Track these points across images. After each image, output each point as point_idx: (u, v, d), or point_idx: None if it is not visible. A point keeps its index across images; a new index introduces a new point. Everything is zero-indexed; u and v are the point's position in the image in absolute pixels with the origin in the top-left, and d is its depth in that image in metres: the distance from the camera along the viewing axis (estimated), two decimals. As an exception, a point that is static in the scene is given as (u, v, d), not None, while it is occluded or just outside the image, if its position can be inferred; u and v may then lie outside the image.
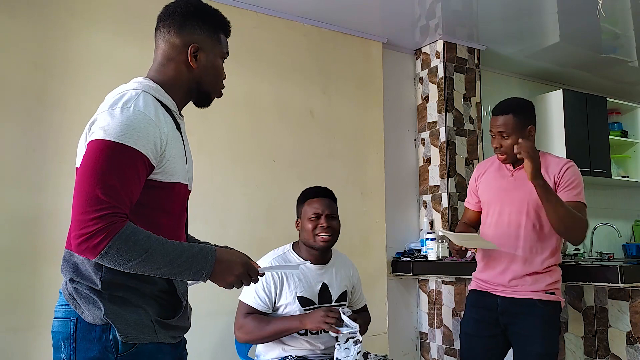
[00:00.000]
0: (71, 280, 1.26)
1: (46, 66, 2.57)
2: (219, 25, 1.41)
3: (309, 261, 2.04)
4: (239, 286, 1.33)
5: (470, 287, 2.37)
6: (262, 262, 2.20)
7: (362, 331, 2.18)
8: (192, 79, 1.38)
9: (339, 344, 2.04)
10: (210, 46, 1.38)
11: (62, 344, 1.26)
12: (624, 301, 2.41)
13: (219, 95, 1.46)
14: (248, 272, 1.32)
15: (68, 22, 2.64)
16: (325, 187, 2.31)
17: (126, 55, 2.76)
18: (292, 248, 2.29)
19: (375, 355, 2.25)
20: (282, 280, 2.16)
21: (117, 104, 1.23)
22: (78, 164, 1.27)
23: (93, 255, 1.13)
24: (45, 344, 2.44)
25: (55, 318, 1.30)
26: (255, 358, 2.26)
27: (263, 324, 2.09)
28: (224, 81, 1.46)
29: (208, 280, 1.28)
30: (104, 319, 1.22)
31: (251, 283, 1.35)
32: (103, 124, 1.20)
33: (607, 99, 4.52)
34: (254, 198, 3.01)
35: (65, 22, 2.64)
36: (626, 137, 4.73)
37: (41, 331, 2.43)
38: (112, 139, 1.17)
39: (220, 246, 1.38)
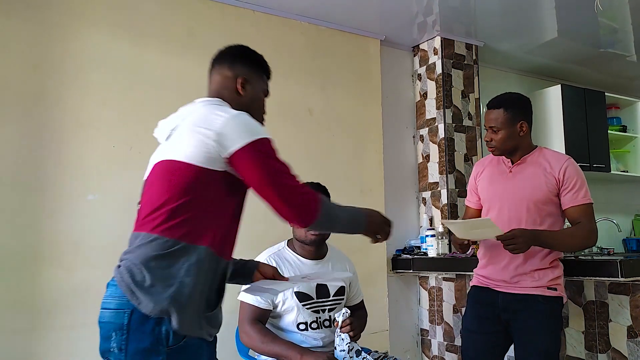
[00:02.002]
0: (145, 264, 1.33)
1: (44, 67, 2.57)
2: (262, 67, 1.65)
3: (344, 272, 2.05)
4: (385, 238, 1.62)
5: (471, 283, 2.36)
6: (260, 259, 2.21)
7: (360, 329, 2.18)
8: (242, 106, 1.53)
9: (338, 335, 2.09)
10: (255, 81, 1.61)
11: (114, 334, 1.31)
12: (624, 295, 2.40)
13: (261, 123, 1.60)
14: (387, 226, 1.62)
15: (66, 23, 2.64)
16: (317, 183, 2.30)
17: (123, 55, 2.76)
18: (287, 245, 2.30)
19: (376, 352, 2.25)
20: None
21: (220, 117, 1.40)
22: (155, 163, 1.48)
23: (313, 218, 1.40)
24: (46, 346, 2.44)
25: (105, 309, 1.35)
26: (256, 357, 2.26)
27: (266, 341, 2.08)
28: None
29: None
30: (165, 307, 1.30)
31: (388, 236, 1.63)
32: (238, 132, 1.37)
33: (606, 93, 4.52)
34: (253, 196, 3.00)
35: (62, 23, 2.63)
36: (625, 131, 4.72)
37: (42, 333, 2.43)
38: (261, 136, 1.39)
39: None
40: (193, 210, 1.37)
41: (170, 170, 1.40)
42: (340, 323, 2.08)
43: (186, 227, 1.36)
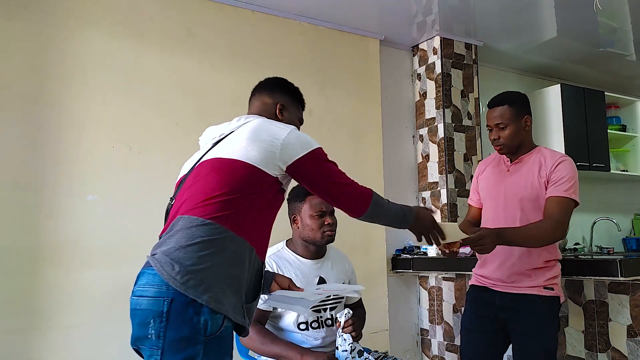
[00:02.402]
0: (190, 246, 1.36)
1: (43, 67, 2.57)
2: (298, 98, 1.83)
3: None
4: (429, 241, 1.83)
5: (470, 283, 2.36)
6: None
7: (360, 328, 2.18)
8: None
9: (340, 335, 2.08)
10: (292, 108, 1.78)
11: (153, 321, 1.33)
12: (624, 295, 2.40)
13: None
14: (435, 231, 1.81)
15: (65, 24, 2.64)
16: None
17: (122, 56, 2.76)
18: (286, 245, 2.30)
19: (376, 352, 2.25)
20: None
21: (283, 129, 1.56)
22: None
23: (365, 209, 1.59)
24: (45, 346, 2.44)
25: (141, 297, 1.36)
26: (256, 358, 2.26)
27: (266, 342, 2.07)
28: None
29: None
30: (213, 291, 1.35)
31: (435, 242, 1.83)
32: (299, 143, 1.54)
33: (605, 93, 4.52)
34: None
35: (62, 24, 2.63)
36: (625, 131, 4.72)
37: (41, 332, 2.43)
38: (318, 146, 1.59)
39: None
40: (244, 206, 1.46)
41: (227, 166, 1.50)
42: (342, 323, 2.08)
43: (237, 219, 1.45)
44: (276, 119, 1.70)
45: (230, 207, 1.44)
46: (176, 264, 1.34)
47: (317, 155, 1.58)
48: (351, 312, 2.11)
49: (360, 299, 2.44)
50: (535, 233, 2.02)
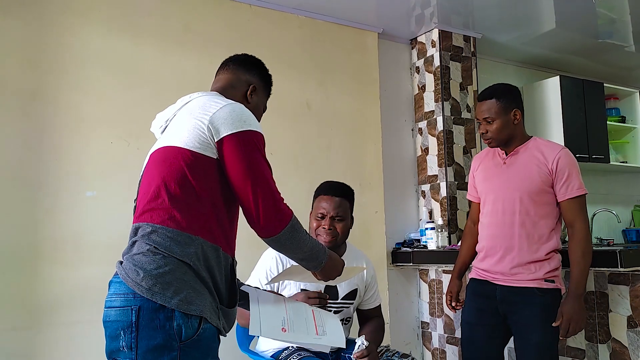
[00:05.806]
0: (152, 251, 1.28)
1: (41, 64, 2.57)
2: (269, 86, 1.69)
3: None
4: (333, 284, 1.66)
5: (470, 276, 2.37)
6: (267, 255, 2.18)
7: (378, 344, 2.12)
8: None
9: None
10: (262, 93, 1.65)
11: (122, 332, 1.25)
12: (624, 286, 2.41)
13: None
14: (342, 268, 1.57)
15: (62, 20, 2.63)
16: (342, 183, 2.23)
17: (120, 52, 2.76)
18: None
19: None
20: None
21: (219, 103, 1.39)
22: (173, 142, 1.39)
23: (276, 232, 1.34)
24: (46, 343, 2.45)
25: (110, 307, 1.29)
26: (256, 351, 2.26)
27: None
28: None
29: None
30: (182, 294, 1.26)
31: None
32: (231, 119, 1.35)
33: (605, 84, 4.51)
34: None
35: (59, 20, 2.63)
36: (624, 122, 4.71)
37: (41, 330, 2.43)
38: (255, 129, 1.39)
39: None
40: (192, 200, 1.33)
41: (167, 156, 1.36)
42: (355, 354, 1.96)
43: (188, 218, 1.32)
44: (244, 100, 1.55)
45: (177, 204, 1.31)
46: (140, 269, 1.26)
47: (249, 138, 1.34)
48: (366, 344, 1.97)
49: (379, 307, 2.31)
50: (584, 259, 2.09)
